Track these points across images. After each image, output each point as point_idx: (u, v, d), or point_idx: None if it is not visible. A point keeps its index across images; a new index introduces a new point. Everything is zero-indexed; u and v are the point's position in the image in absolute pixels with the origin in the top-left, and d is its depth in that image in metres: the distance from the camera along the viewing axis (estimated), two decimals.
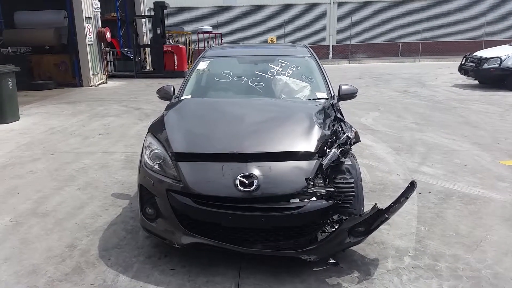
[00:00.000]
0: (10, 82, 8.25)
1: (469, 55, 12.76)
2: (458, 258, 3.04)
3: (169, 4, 17.85)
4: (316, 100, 3.99)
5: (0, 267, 3.02)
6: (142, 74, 17.67)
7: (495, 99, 10.19)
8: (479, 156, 5.50)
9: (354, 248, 3.06)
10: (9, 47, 15.30)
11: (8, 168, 5.36)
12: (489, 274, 2.83)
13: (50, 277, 2.89)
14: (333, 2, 27.18)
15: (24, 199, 4.32)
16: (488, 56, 11.89)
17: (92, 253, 3.20)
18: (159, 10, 17.00)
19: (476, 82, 12.62)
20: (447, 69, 17.47)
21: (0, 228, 3.65)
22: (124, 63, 18.50)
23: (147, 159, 3.11)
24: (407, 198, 2.75)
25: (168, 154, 3.02)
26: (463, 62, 12.81)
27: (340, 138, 3.16)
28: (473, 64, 12.13)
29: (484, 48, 14.88)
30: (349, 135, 3.21)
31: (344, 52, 26.82)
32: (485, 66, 11.73)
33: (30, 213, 3.96)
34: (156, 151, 3.11)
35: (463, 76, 12.94)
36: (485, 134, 6.70)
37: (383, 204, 2.84)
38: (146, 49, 19.57)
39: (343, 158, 2.99)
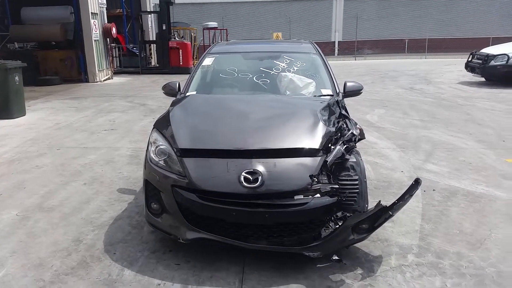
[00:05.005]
0: (16, 78, 8.31)
1: (476, 52, 12.65)
2: (462, 256, 3.04)
3: (174, 0, 17.84)
4: (321, 97, 3.99)
5: (8, 260, 3.06)
6: (147, 70, 17.72)
7: (501, 96, 10.12)
8: (484, 154, 5.47)
9: (357, 245, 3.07)
10: (15, 43, 15.40)
11: (15, 163, 5.41)
12: (493, 273, 2.83)
13: (56, 270, 2.92)
14: None
15: (30, 193, 4.37)
16: (495, 53, 11.78)
17: (98, 247, 3.23)
18: (165, 6, 17.01)
19: (483, 79, 12.52)
20: (453, 66, 17.36)
21: (7, 222, 3.70)
22: (130, 59, 18.55)
23: (152, 155, 3.13)
24: (411, 195, 2.75)
25: (173, 150, 3.04)
26: (469, 59, 12.71)
27: (345, 135, 3.16)
28: (480, 61, 12.03)
29: (492, 45, 14.76)
30: (354, 132, 3.20)
31: (350, 48, 26.69)
32: (492, 63, 11.63)
33: (37, 208, 4.00)
34: (162, 147, 3.13)
35: (470, 73, 12.84)
36: (491, 132, 6.67)
37: (387, 201, 2.84)
38: (152, 45, 19.60)
39: (347, 155, 2.99)
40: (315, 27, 27.40)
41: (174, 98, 4.18)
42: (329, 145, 3.02)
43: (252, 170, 2.79)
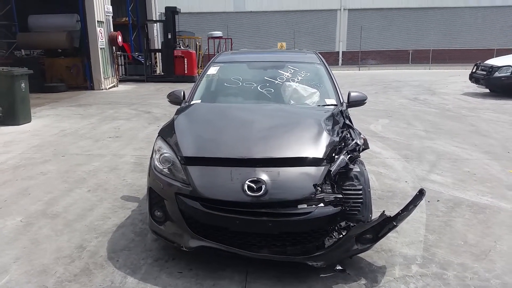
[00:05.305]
0: (23, 85, 8.38)
1: (480, 63, 12.67)
2: (466, 267, 3.02)
3: (180, 9, 18.03)
4: (325, 107, 4.00)
5: (11, 266, 3.07)
6: (152, 78, 17.84)
7: (506, 107, 10.10)
8: (488, 165, 5.45)
9: (361, 255, 3.05)
10: (22, 50, 15.56)
11: (19, 169, 5.44)
12: (497, 284, 2.81)
13: (59, 277, 2.92)
14: (344, 9, 27.23)
15: (35, 200, 4.38)
16: (499, 64, 11.81)
17: (101, 254, 3.23)
18: (170, 15, 17.18)
19: (487, 90, 12.53)
20: (457, 77, 17.37)
21: (11, 228, 3.71)
22: (135, 67, 18.69)
23: (156, 163, 3.14)
24: (416, 206, 2.75)
25: (178, 158, 3.05)
26: (474, 70, 12.72)
27: (349, 144, 3.17)
28: (484, 72, 12.05)
29: (496, 56, 14.78)
30: (358, 142, 3.21)
31: (354, 58, 26.80)
32: (496, 74, 11.66)
33: (41, 214, 4.01)
34: (166, 154, 3.14)
35: (474, 84, 12.86)
36: (496, 143, 6.65)
37: (391, 212, 2.84)
38: (157, 53, 19.76)
39: (351, 165, 2.99)
40: (319, 37, 27.54)
41: (178, 107, 4.20)
42: (333, 154, 3.02)
43: (256, 178, 2.80)
